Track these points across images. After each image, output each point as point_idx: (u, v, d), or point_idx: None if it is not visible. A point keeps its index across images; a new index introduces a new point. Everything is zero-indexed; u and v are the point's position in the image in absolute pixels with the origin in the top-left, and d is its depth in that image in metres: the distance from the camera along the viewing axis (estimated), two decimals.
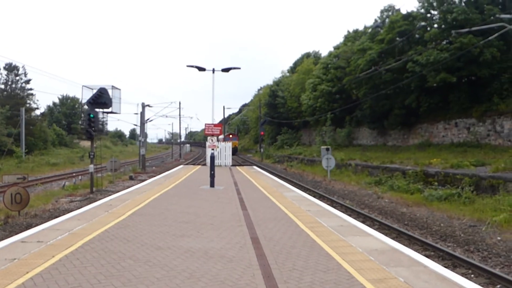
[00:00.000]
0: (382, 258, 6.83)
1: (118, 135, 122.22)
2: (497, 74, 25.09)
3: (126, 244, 7.66)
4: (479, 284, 6.57)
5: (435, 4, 29.26)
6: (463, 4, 27.76)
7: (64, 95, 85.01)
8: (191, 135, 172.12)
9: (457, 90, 27.39)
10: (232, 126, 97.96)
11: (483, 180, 16.11)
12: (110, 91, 20.48)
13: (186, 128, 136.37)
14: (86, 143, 63.62)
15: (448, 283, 5.71)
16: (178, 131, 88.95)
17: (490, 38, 20.70)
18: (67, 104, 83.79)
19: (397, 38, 31.49)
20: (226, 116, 79.15)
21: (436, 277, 5.94)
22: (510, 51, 25.17)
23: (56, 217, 11.87)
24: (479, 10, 25.79)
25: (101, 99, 19.84)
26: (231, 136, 69.22)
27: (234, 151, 64.00)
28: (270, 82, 76.28)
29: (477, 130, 25.72)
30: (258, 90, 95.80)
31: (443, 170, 18.94)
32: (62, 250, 7.14)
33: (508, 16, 17.66)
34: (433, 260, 7.92)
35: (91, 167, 20.30)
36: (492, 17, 22.15)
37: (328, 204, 14.47)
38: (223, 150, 34.97)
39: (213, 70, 19.97)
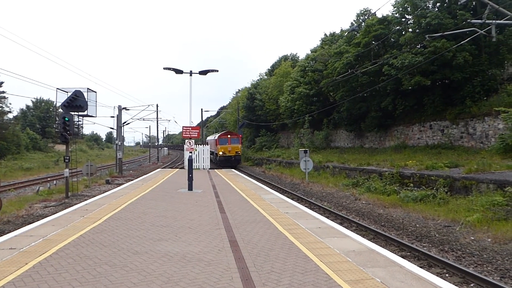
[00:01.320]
0: (359, 259, 6.91)
1: (94, 138, 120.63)
2: (469, 78, 25.70)
3: (102, 249, 7.53)
4: (453, 283, 6.73)
5: (409, 9, 29.87)
6: (436, 9, 28.42)
7: (38, 98, 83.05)
8: (169, 138, 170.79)
9: (431, 93, 27.99)
10: (211, 129, 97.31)
11: (456, 181, 16.45)
12: (85, 94, 20.19)
13: (163, 131, 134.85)
14: (61, 147, 62.37)
15: (423, 283, 5.81)
16: (155, 134, 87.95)
17: (462, 42, 21.27)
18: (41, 108, 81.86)
19: (373, 42, 32.02)
20: (204, 119, 78.74)
21: (411, 277, 6.04)
22: (482, 55, 25.85)
23: (30, 223, 11.60)
24: (452, 15, 26.42)
25: (76, 102, 19.55)
26: (229, 136, 43.49)
27: (236, 160, 42.81)
28: (248, 84, 75.91)
29: (450, 132, 26.30)
30: (236, 92, 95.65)
31: (418, 171, 19.28)
32: (35, 256, 6.98)
33: (479, 21, 18.11)
34: (409, 260, 8.08)
35: (66, 172, 19.94)
36: (464, 22, 22.73)
37: (306, 206, 14.58)
38: (201, 153, 34.83)
39: (191, 73, 19.68)
